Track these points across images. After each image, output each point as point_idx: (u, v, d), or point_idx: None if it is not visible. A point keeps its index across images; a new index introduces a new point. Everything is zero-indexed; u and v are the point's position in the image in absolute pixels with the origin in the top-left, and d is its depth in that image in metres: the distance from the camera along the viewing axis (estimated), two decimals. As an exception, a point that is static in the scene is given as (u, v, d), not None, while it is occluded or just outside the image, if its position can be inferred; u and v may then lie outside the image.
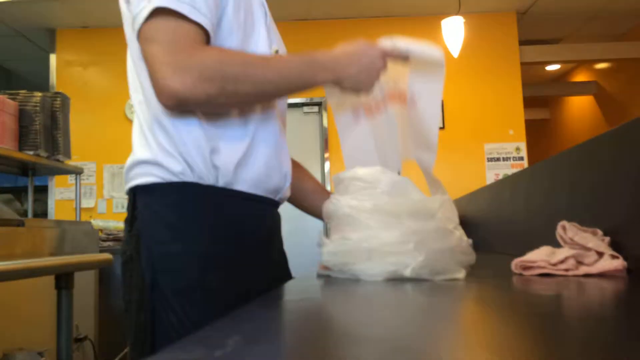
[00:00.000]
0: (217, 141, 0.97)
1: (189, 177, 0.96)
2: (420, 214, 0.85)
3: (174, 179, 0.96)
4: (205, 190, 0.96)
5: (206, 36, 0.92)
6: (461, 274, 0.82)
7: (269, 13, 1.12)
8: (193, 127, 0.96)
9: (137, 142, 1.01)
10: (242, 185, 1.00)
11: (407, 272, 0.79)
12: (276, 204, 1.11)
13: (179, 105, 0.90)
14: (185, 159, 0.95)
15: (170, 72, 0.86)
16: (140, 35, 0.90)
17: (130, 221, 1.00)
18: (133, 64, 1.01)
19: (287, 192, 1.13)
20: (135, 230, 0.98)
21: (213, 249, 0.96)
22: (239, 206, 1.00)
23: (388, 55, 1.06)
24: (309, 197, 1.27)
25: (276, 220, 1.14)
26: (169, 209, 0.96)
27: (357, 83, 1.03)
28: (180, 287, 0.93)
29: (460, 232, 0.88)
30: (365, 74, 1.03)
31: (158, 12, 0.88)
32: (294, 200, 1.25)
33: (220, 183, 0.97)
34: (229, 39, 0.98)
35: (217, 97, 0.90)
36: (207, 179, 0.96)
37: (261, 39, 1.05)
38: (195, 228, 0.96)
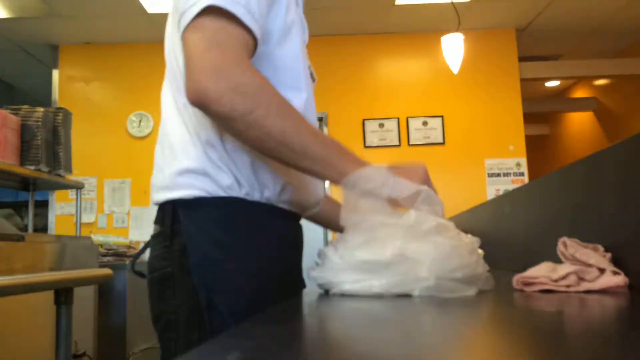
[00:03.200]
0: (264, 157, 0.93)
1: (237, 192, 0.93)
2: (441, 232, 0.83)
3: (222, 193, 0.92)
4: (252, 206, 0.94)
5: (254, 42, 0.87)
6: (472, 291, 0.80)
7: (305, 25, 1.10)
8: (226, 142, 0.93)
9: (181, 149, 0.95)
10: (284, 204, 0.99)
11: (416, 292, 0.78)
12: (299, 218, 1.11)
13: (201, 105, 0.83)
14: (233, 173, 0.93)
15: (209, 70, 0.80)
16: (186, 30, 0.84)
17: (170, 236, 0.95)
18: (179, 65, 0.97)
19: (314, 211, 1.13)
20: (178, 245, 0.94)
21: (264, 268, 0.93)
22: (281, 224, 1.00)
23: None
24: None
25: (302, 236, 1.13)
26: (217, 225, 0.92)
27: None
28: (238, 309, 0.89)
29: (476, 258, 0.84)
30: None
31: (210, 10, 0.82)
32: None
33: (264, 200, 0.95)
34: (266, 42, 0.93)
35: (241, 117, 0.82)
36: (253, 195, 0.94)
37: (294, 48, 0.99)
38: (246, 246, 0.93)
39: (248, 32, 0.85)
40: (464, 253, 0.82)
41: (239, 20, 0.84)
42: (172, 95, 1.00)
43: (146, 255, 1.07)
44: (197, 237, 0.92)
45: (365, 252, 0.82)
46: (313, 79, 1.11)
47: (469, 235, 0.89)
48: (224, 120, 0.84)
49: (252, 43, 0.87)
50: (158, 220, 0.99)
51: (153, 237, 1.01)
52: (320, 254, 0.89)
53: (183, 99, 0.91)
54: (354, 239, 0.85)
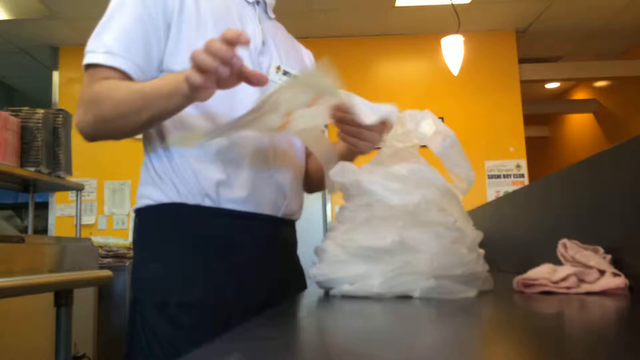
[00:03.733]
0: (197, 163, 1.01)
1: (177, 198, 1.01)
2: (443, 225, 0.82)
3: (165, 200, 1.02)
4: (191, 209, 1.01)
5: (128, 73, 0.99)
6: (472, 293, 0.80)
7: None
8: (172, 153, 1.03)
9: (145, 160, 1.09)
10: (232, 204, 1.02)
11: (416, 294, 0.78)
12: (279, 220, 1.10)
13: (85, 136, 1.02)
14: (173, 181, 1.02)
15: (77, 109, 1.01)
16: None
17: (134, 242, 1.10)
18: None
19: (290, 209, 1.12)
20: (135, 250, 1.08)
21: (191, 268, 1.00)
22: (226, 224, 1.02)
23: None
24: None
25: (280, 237, 1.12)
26: (154, 229, 1.04)
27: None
28: (161, 307, 0.98)
29: (476, 255, 0.84)
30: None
31: (88, 66, 1.03)
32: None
33: (207, 204, 1.01)
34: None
35: (96, 123, 0.98)
36: (194, 199, 1.01)
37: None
38: (173, 245, 1.02)
39: (114, 69, 0.99)
40: (464, 250, 0.82)
41: (103, 65, 1.00)
42: None
43: None
44: (137, 244, 1.06)
45: (365, 237, 0.81)
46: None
47: (471, 225, 0.90)
48: (99, 133, 1.01)
49: (124, 74, 1.00)
50: None
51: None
52: (318, 251, 0.89)
53: None
54: (354, 215, 0.85)
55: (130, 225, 5.02)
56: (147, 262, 1.03)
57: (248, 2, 1.13)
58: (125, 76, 0.99)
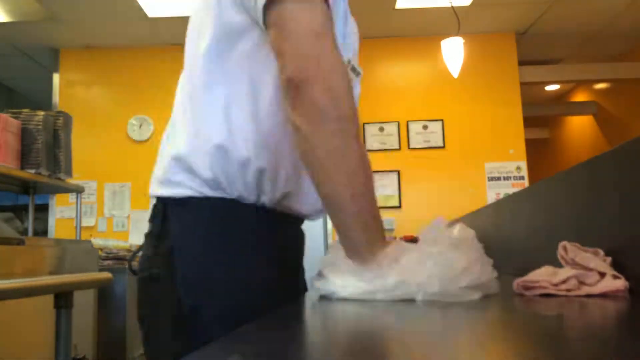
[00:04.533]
0: (262, 161, 0.89)
1: (229, 194, 0.89)
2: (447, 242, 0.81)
3: (213, 194, 0.88)
4: (244, 209, 0.90)
5: None
6: (476, 296, 0.79)
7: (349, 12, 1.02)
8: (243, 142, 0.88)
9: (190, 152, 0.90)
10: (282, 208, 0.94)
11: (419, 297, 0.77)
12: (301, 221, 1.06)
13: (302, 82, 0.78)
14: (227, 173, 0.88)
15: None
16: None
17: (158, 236, 0.93)
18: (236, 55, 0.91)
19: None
20: (165, 246, 0.91)
21: (254, 277, 0.88)
22: (277, 228, 0.94)
23: None
24: None
25: (303, 240, 1.09)
26: (207, 229, 0.89)
27: None
28: (224, 321, 0.83)
29: (481, 265, 0.83)
30: None
31: None
32: None
33: (260, 204, 0.91)
34: None
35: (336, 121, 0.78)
36: (248, 198, 0.90)
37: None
38: (236, 252, 0.88)
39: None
40: (466, 262, 0.81)
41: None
42: (182, 90, 0.97)
43: None
44: (185, 240, 0.89)
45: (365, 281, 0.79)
46: (356, 73, 1.05)
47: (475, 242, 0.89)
48: (315, 113, 0.78)
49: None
50: (151, 218, 0.97)
51: (145, 235, 0.98)
52: (320, 275, 0.84)
53: (190, 88, 0.92)
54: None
55: (130, 227, 5.03)
56: (210, 270, 0.88)
57: None
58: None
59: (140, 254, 1.02)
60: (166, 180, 0.91)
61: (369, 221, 0.80)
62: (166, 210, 0.91)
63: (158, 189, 0.93)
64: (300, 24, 0.79)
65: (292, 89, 0.78)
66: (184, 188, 0.89)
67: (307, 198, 0.95)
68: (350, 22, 1.03)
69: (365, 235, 0.79)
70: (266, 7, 0.80)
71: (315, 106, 0.77)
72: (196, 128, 0.90)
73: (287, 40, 0.79)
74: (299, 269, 1.05)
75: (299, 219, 1.03)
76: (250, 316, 0.77)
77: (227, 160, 0.88)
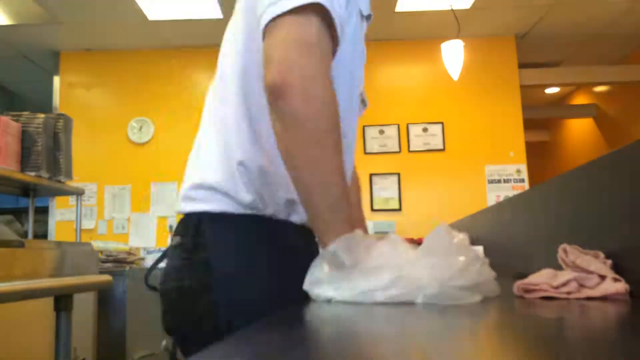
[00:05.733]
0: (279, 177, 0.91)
1: (262, 211, 0.92)
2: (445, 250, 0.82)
3: (248, 211, 0.91)
4: (279, 225, 0.93)
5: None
6: (477, 298, 0.79)
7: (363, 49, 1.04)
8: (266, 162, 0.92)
9: (213, 162, 0.94)
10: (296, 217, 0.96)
11: (419, 299, 0.77)
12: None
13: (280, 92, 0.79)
14: (260, 192, 0.91)
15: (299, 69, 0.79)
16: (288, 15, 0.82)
17: (191, 249, 0.93)
18: (243, 68, 0.95)
19: None
20: (199, 259, 0.91)
21: (286, 289, 0.87)
22: (307, 243, 0.95)
23: None
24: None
25: None
26: (242, 243, 0.91)
27: None
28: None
29: (480, 266, 0.83)
30: None
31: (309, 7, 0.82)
32: None
33: (291, 220, 0.94)
34: None
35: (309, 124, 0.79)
36: (279, 215, 0.93)
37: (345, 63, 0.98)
38: (270, 266, 0.91)
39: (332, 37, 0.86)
40: (463, 264, 0.81)
41: (330, 22, 0.84)
42: (213, 107, 0.99)
43: (147, 265, 1.04)
44: (221, 254, 0.90)
45: (362, 281, 0.79)
46: (364, 104, 1.07)
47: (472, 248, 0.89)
48: (293, 121, 0.79)
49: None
50: (179, 231, 0.97)
51: (173, 247, 0.98)
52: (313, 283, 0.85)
53: (223, 110, 0.94)
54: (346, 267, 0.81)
55: (130, 229, 5.03)
56: (245, 282, 0.89)
57: (362, 16, 1.07)
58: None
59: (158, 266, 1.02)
60: (199, 196, 0.94)
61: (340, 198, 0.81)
62: (200, 224, 0.93)
63: (190, 204, 0.95)
64: (290, 33, 0.81)
65: (274, 93, 0.79)
66: (219, 203, 0.92)
67: None
68: (362, 57, 1.06)
69: (330, 225, 0.81)
70: (267, 25, 0.83)
71: (293, 114, 0.79)
72: (229, 151, 0.93)
73: (275, 47, 0.81)
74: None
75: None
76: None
77: (262, 183, 0.92)
